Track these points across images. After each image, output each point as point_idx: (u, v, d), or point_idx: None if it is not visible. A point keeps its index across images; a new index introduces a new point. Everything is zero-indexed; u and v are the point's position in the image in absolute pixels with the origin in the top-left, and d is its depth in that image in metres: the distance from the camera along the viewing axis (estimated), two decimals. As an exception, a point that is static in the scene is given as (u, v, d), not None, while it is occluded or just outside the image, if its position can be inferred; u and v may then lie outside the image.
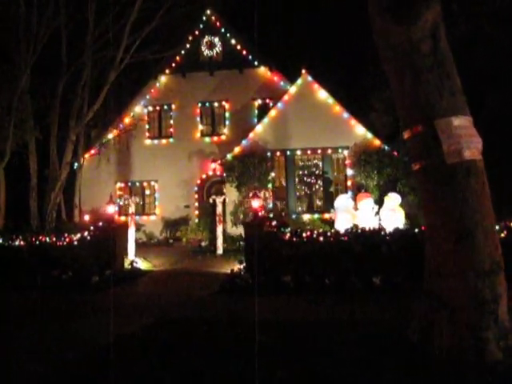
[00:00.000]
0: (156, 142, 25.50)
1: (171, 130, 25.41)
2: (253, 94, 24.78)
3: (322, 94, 21.31)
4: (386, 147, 20.55)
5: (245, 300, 10.72)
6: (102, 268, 13.60)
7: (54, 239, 14.37)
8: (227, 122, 25.04)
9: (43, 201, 20.58)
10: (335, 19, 25.06)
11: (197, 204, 24.78)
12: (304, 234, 12.71)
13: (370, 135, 20.89)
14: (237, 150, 21.76)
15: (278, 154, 21.46)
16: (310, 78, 21.46)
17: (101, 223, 14.21)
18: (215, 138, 25.10)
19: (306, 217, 21.04)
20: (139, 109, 25.35)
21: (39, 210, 20.32)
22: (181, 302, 11.03)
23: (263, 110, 24.63)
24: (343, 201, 18.85)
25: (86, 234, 14.28)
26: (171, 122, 25.44)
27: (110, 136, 24.92)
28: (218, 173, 24.72)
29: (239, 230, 20.70)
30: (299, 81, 21.53)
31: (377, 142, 20.76)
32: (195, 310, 10.24)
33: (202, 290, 12.30)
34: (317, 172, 21.49)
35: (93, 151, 24.83)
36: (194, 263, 17.02)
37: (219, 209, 19.89)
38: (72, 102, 21.01)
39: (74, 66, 21.35)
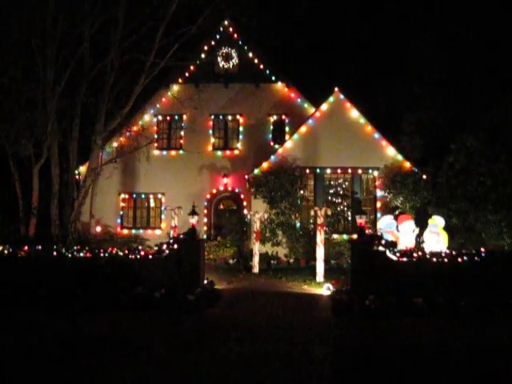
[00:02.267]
0: (165, 153, 24.34)
1: (181, 141, 24.36)
2: (268, 110, 24.25)
3: (354, 113, 21.14)
4: (416, 170, 20.57)
5: (379, 324, 10.27)
6: (188, 285, 12.52)
7: (126, 252, 13.11)
8: (241, 137, 24.32)
9: (62, 208, 18.93)
10: (364, 38, 25.07)
11: (206, 219, 23.75)
12: (415, 254, 12.28)
13: (400, 157, 20.88)
14: (265, 165, 21.10)
15: (308, 171, 20.97)
16: (342, 96, 21.26)
17: (182, 236, 13.10)
18: (227, 152, 24.29)
19: (334, 237, 20.61)
20: (148, 117, 24.11)
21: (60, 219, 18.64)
22: (310, 326, 10.25)
23: (279, 127, 24.23)
24: (387, 222, 18.66)
25: (164, 246, 13.11)
26: (182, 133, 24.38)
27: (115, 144, 23.51)
28: (230, 188, 23.94)
29: (266, 248, 20.09)
30: (331, 98, 21.26)
31: (407, 165, 20.77)
32: (340, 338, 9.49)
33: (311, 313, 11.62)
34: (346, 192, 21.16)
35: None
36: (247, 283, 16.11)
37: (257, 225, 19.13)
38: (97, 105, 19.55)
39: (97, 68, 19.90)
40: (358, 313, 11.18)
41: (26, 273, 12.76)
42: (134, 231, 24.04)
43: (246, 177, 21.61)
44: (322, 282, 15.75)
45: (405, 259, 12.20)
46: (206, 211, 23.81)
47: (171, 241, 13.18)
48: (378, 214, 20.83)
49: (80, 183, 19.63)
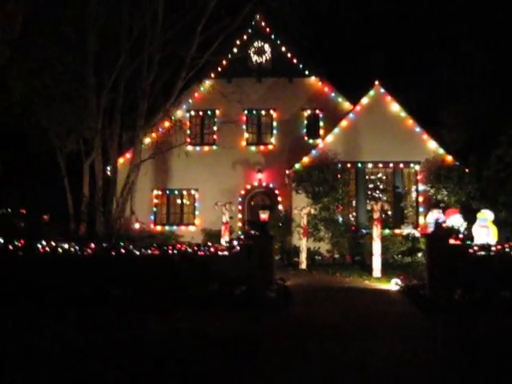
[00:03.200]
0: (198, 148, 24.04)
1: (214, 136, 24.07)
2: (302, 104, 24.02)
3: (395, 107, 20.95)
4: (457, 163, 20.42)
5: (474, 319, 10.14)
6: (263, 281, 12.29)
7: (196, 248, 12.88)
8: (274, 132, 24.08)
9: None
10: (400, 28, 24.81)
11: (240, 215, 23.50)
12: (493, 248, 12.12)
13: (441, 150, 20.72)
14: (306, 159, 20.89)
15: (349, 165, 20.76)
16: (382, 90, 21.06)
17: (253, 232, 12.85)
18: (261, 148, 24.05)
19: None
20: (181, 113, 23.79)
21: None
22: (400, 322, 10.08)
23: (313, 121, 24.01)
24: (435, 216, 18.47)
25: (235, 242, 12.87)
26: (215, 128, 24.09)
27: (148, 140, 23.15)
28: (264, 183, 23.71)
29: (308, 244, 19.83)
30: (371, 92, 21.05)
31: (449, 158, 20.62)
32: (444, 334, 9.29)
33: (393, 308, 11.50)
34: (387, 186, 20.99)
35: (128, 155, 22.83)
36: (303, 279, 15.91)
37: (304, 221, 18.93)
38: (137, 100, 19.24)
39: (137, 61, 19.57)
40: (445, 308, 10.99)
41: (94, 272, 12.47)
42: (167, 228, 23.77)
43: (287, 172, 21.39)
44: (380, 278, 15.62)
45: (482, 253, 12.03)
46: (240, 207, 23.54)
47: (242, 236, 12.93)
48: (420, 209, 20.67)
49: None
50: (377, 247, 16.13)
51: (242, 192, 23.68)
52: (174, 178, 23.86)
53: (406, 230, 20.36)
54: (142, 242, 16.85)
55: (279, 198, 23.60)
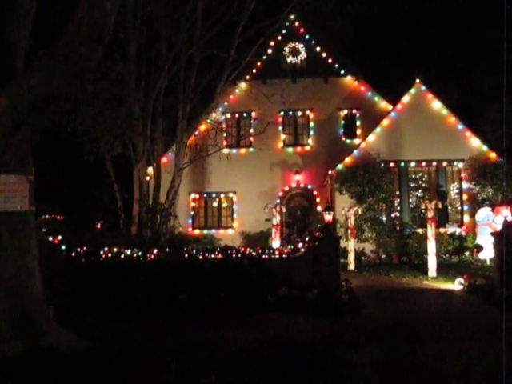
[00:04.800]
0: (234, 151, 23.92)
1: (251, 138, 23.94)
2: (338, 104, 23.90)
3: (436, 104, 20.78)
4: (502, 160, 20.17)
5: None
6: (330, 284, 12.12)
7: (260, 251, 12.73)
8: (311, 132, 23.97)
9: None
10: (439, 25, 24.58)
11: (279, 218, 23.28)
12: None
13: (485, 148, 20.53)
14: (348, 160, 20.74)
15: (392, 164, 20.57)
16: (423, 88, 20.89)
17: (318, 233, 12.68)
18: (298, 149, 23.96)
19: (419, 231, 20.20)
20: (217, 116, 23.63)
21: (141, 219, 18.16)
22: (480, 323, 9.86)
23: (350, 121, 23.86)
24: (485, 214, 18.29)
25: (300, 245, 12.72)
26: (251, 130, 23.96)
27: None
28: (302, 185, 23.56)
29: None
30: (412, 90, 20.90)
31: (492, 155, 20.42)
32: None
33: (467, 308, 11.31)
34: (430, 185, 20.79)
35: (164, 159, 22.71)
36: (358, 280, 15.66)
37: (351, 221, 18.76)
38: (177, 104, 19.15)
39: (175, 64, 19.45)
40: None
41: (159, 276, 12.33)
42: (205, 231, 23.68)
43: (329, 172, 21.23)
44: (437, 277, 15.44)
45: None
46: (278, 209, 23.31)
47: (307, 239, 12.77)
48: (465, 207, 20.47)
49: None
50: (432, 246, 15.95)
51: (280, 194, 23.57)
52: (212, 181, 23.80)
53: (451, 229, 20.19)
54: (191, 245, 16.74)
55: (317, 200, 23.42)
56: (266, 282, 12.04)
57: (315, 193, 23.48)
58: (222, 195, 23.88)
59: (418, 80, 20.84)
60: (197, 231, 23.57)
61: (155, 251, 12.76)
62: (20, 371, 6.40)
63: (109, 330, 9.39)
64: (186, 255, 12.76)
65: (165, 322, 10.25)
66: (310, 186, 23.52)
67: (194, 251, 12.85)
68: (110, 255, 12.73)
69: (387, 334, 9.08)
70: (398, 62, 24.44)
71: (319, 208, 23.09)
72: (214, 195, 23.86)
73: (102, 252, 12.76)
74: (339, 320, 10.41)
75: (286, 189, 23.58)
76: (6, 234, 7.67)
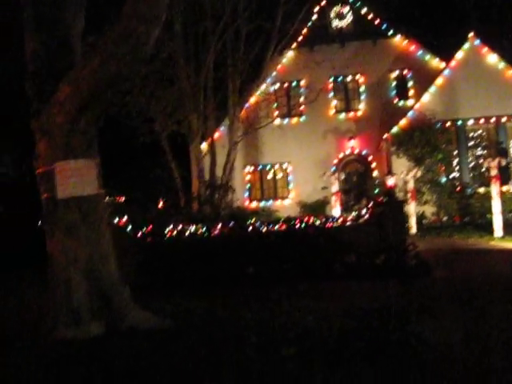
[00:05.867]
0: (286, 121, 23.78)
1: (301, 107, 23.72)
2: (388, 66, 23.36)
3: (492, 58, 20.08)
4: None
5: None
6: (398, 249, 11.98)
7: (324, 220, 12.68)
8: (362, 97, 23.56)
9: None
10: None
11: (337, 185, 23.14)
12: None
13: (547, 100, 19.74)
14: (403, 122, 20.35)
15: (449, 124, 20.06)
16: (477, 42, 20.16)
17: (383, 198, 12.53)
18: (350, 114, 23.62)
19: (481, 190, 19.71)
20: (265, 87, 23.49)
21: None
22: None
23: (401, 82, 23.33)
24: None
25: (363, 211, 12.61)
26: (301, 99, 23.74)
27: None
28: (357, 151, 23.28)
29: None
30: (466, 45, 20.22)
31: (555, 107, 19.62)
32: None
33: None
34: (490, 142, 20.21)
35: (217, 134, 22.74)
36: (423, 243, 15.40)
37: (411, 184, 18.47)
38: (226, 78, 19.14)
39: (222, 38, 19.36)
40: None
41: (224, 251, 12.44)
42: (262, 203, 23.76)
43: (384, 136, 20.91)
44: (504, 237, 15.10)
45: None
46: (336, 176, 23.17)
47: (370, 204, 12.65)
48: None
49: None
50: (497, 205, 15.55)
51: (335, 161, 23.33)
52: (266, 153, 23.77)
53: (514, 187, 19.61)
54: (250, 218, 16.81)
55: (373, 165, 23.13)
56: (332, 250, 11.99)
57: (370, 158, 23.17)
58: (277, 166, 23.87)
59: (471, 34, 20.12)
60: (253, 204, 23.69)
61: (219, 226, 12.86)
62: (109, 351, 6.60)
63: (179, 307, 9.55)
64: (250, 228, 12.81)
65: (233, 296, 10.35)
66: (364, 152, 23.22)
67: (258, 224, 12.89)
68: (174, 233, 12.93)
69: (464, 296, 8.94)
70: (448, 16, 23.57)
71: (375, 173, 22.84)
72: (268, 167, 23.88)
73: (166, 230, 12.96)
74: (410, 284, 10.27)
75: (341, 156, 23.33)
76: (79, 218, 7.85)
